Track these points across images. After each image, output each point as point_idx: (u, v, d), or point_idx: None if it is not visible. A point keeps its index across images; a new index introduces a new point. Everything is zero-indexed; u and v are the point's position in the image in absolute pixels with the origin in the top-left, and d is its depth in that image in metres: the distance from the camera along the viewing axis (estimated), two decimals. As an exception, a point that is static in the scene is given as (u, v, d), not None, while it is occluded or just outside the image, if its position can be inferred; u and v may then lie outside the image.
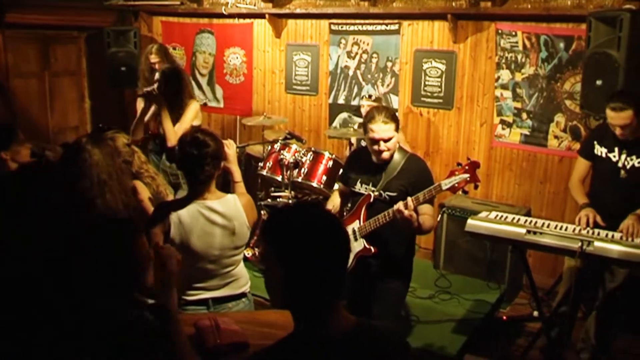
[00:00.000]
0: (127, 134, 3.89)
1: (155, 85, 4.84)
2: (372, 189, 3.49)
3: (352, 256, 3.51)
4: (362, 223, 3.51)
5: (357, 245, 3.53)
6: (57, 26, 7.00)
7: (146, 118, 4.88)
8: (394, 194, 3.40)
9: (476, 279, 5.21)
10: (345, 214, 3.78)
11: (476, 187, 3.27)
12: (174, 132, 4.68)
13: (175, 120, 4.82)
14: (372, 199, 3.47)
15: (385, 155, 3.40)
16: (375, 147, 3.38)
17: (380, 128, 3.34)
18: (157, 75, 5.02)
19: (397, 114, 3.50)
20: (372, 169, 3.53)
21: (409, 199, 3.18)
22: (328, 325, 1.61)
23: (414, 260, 3.75)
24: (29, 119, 6.80)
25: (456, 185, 3.18)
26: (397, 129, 3.42)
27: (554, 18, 5.22)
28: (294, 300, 1.63)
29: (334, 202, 3.87)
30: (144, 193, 3.64)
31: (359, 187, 3.55)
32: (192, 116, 4.96)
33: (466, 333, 4.41)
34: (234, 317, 2.81)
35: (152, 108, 4.89)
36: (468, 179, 3.17)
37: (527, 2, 5.35)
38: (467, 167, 3.21)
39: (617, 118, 3.78)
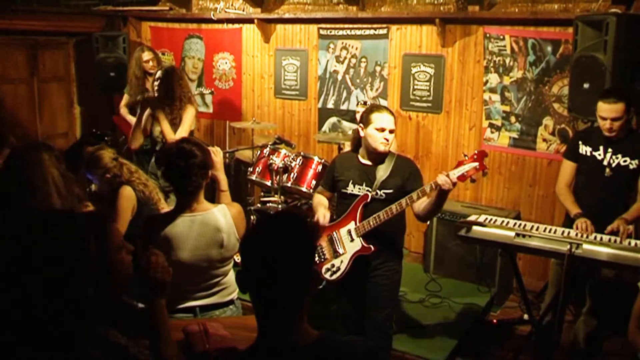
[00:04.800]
0: (118, 138, 3.86)
1: (156, 83, 4.81)
2: (367, 189, 3.52)
3: (348, 257, 3.54)
4: (358, 223, 3.52)
5: (354, 246, 3.54)
6: (45, 32, 6.97)
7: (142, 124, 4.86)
8: (390, 191, 3.46)
9: (466, 283, 5.22)
10: (335, 217, 3.74)
11: (484, 174, 3.33)
12: (173, 134, 4.70)
13: (172, 121, 4.78)
14: (369, 199, 3.50)
15: (386, 148, 3.48)
16: (381, 135, 3.45)
17: (387, 118, 3.46)
18: (158, 74, 4.95)
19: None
20: (362, 170, 3.57)
21: (442, 176, 3.19)
22: (285, 338, 1.61)
23: (404, 263, 3.75)
24: (17, 125, 6.77)
25: (465, 173, 3.22)
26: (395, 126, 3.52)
27: (541, 22, 5.26)
28: (255, 311, 1.65)
29: (322, 209, 3.72)
30: (128, 201, 3.65)
31: (352, 189, 3.56)
32: (191, 122, 4.93)
33: (456, 336, 4.42)
34: (223, 322, 2.77)
35: (147, 111, 4.85)
36: (477, 167, 3.22)
37: (515, 6, 5.40)
38: (475, 156, 3.26)
39: (609, 110, 3.81)
